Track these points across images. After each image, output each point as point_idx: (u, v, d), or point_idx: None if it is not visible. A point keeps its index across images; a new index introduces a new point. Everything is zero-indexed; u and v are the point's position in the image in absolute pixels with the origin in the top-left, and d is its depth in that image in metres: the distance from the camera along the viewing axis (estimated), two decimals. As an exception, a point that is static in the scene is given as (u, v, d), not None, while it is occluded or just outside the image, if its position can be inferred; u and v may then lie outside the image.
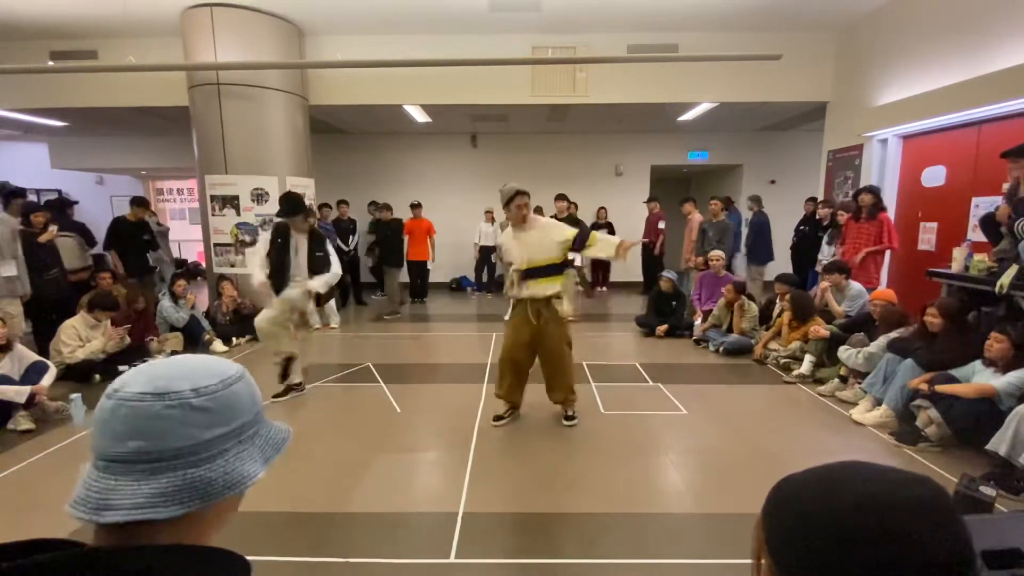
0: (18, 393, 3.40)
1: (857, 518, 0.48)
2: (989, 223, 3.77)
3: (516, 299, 3.44)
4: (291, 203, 3.76)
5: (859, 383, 3.90)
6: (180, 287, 5.57)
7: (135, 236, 6.03)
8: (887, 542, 0.46)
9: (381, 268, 7.75)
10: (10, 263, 4.28)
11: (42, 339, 4.68)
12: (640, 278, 9.22)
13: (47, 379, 3.64)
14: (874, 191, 5.03)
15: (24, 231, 4.63)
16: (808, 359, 4.44)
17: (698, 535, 2.37)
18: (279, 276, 3.80)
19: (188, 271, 7.16)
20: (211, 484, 0.57)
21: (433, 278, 8.90)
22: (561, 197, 7.63)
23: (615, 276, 9.58)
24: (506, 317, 3.50)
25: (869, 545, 0.46)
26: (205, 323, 5.72)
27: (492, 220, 8.89)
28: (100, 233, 6.16)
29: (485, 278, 9.17)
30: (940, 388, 3.09)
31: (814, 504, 0.51)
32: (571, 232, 3.33)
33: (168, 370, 0.60)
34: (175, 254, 7.44)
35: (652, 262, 8.68)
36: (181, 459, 0.56)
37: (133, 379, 0.58)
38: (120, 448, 0.55)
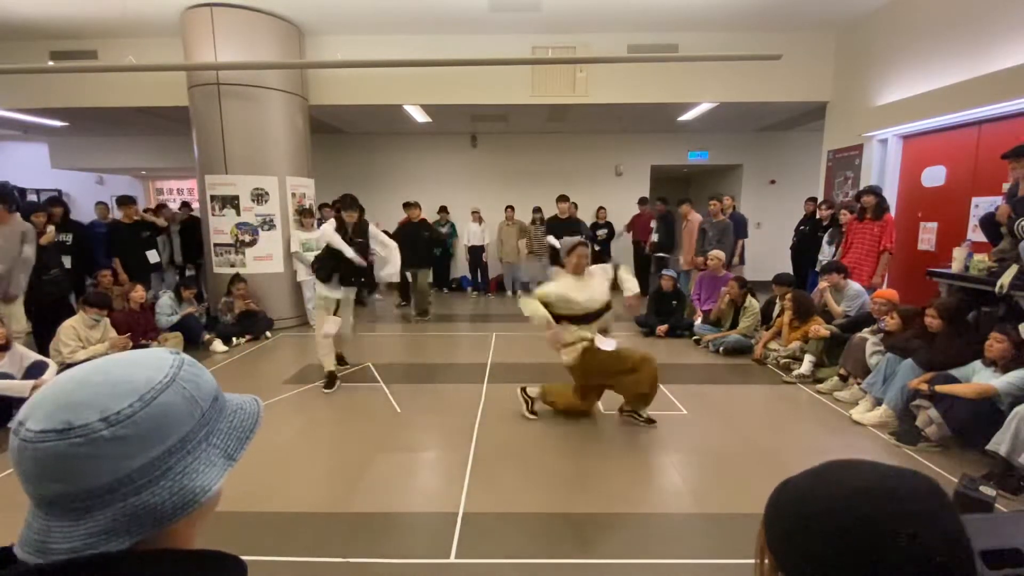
0: (21, 388, 3.41)
1: (849, 510, 0.49)
2: (989, 223, 3.77)
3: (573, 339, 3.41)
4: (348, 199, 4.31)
5: (859, 383, 3.90)
6: (189, 294, 5.67)
7: (133, 238, 6.03)
8: (878, 532, 0.47)
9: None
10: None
11: (42, 339, 4.68)
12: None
13: (49, 374, 3.65)
14: (877, 191, 5.04)
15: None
16: (808, 359, 4.44)
17: (698, 535, 2.37)
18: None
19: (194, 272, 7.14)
20: (158, 509, 0.50)
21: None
22: (563, 198, 7.57)
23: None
24: (565, 357, 3.39)
25: (861, 536, 0.47)
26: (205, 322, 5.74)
27: (479, 220, 8.90)
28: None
29: (479, 278, 9.17)
30: (940, 388, 3.09)
31: (809, 500, 0.52)
32: (609, 279, 3.54)
33: (74, 394, 0.49)
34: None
35: (643, 262, 8.71)
36: (113, 492, 0.49)
37: (34, 411, 0.49)
38: (40, 491, 0.49)
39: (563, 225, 6.91)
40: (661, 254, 8.44)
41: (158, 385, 0.52)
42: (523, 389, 3.70)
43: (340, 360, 4.69)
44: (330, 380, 4.25)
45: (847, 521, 0.48)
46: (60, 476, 0.48)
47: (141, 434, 0.50)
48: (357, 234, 4.25)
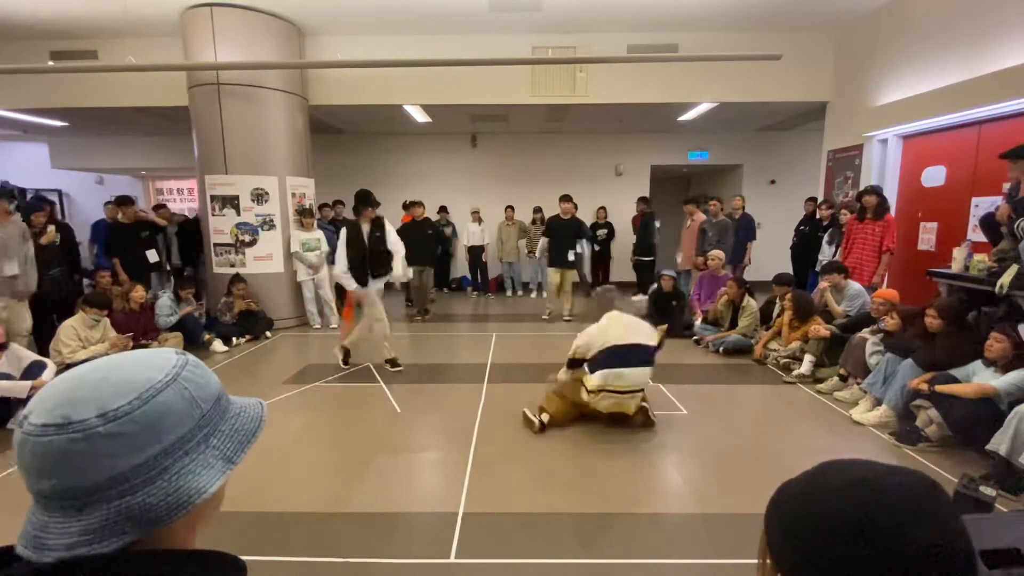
0: (20, 388, 3.41)
1: (840, 508, 0.49)
2: (989, 223, 3.77)
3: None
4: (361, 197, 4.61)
5: (859, 383, 3.90)
6: (187, 293, 5.65)
7: (133, 237, 6.03)
8: (875, 531, 0.47)
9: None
10: (12, 263, 4.27)
11: (42, 339, 4.69)
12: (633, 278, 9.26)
13: (48, 373, 3.64)
14: (878, 191, 5.04)
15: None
16: (808, 359, 4.44)
17: (698, 535, 2.36)
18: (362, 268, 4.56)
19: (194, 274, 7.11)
20: (153, 510, 0.50)
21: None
22: (566, 198, 7.49)
23: (614, 276, 9.60)
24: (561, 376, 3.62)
25: (852, 533, 0.47)
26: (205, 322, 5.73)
27: (479, 220, 8.89)
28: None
29: (479, 278, 9.17)
30: (940, 388, 3.09)
31: (805, 500, 0.52)
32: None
33: (76, 390, 0.50)
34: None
35: (643, 263, 8.72)
36: (109, 490, 0.49)
37: (38, 405, 0.50)
38: (39, 485, 0.49)
39: (564, 225, 6.90)
40: (638, 257, 8.43)
41: (158, 384, 0.52)
42: (541, 419, 3.46)
43: (346, 355, 4.91)
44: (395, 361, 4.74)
45: (835, 520, 0.48)
46: (57, 471, 0.48)
47: (137, 432, 0.50)
48: (375, 229, 4.64)
